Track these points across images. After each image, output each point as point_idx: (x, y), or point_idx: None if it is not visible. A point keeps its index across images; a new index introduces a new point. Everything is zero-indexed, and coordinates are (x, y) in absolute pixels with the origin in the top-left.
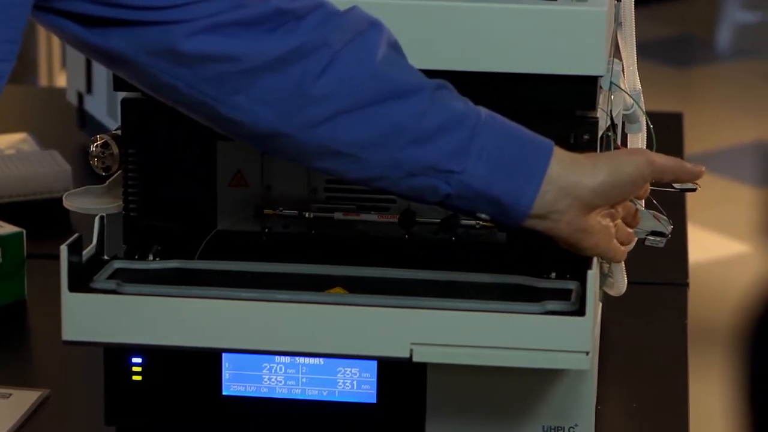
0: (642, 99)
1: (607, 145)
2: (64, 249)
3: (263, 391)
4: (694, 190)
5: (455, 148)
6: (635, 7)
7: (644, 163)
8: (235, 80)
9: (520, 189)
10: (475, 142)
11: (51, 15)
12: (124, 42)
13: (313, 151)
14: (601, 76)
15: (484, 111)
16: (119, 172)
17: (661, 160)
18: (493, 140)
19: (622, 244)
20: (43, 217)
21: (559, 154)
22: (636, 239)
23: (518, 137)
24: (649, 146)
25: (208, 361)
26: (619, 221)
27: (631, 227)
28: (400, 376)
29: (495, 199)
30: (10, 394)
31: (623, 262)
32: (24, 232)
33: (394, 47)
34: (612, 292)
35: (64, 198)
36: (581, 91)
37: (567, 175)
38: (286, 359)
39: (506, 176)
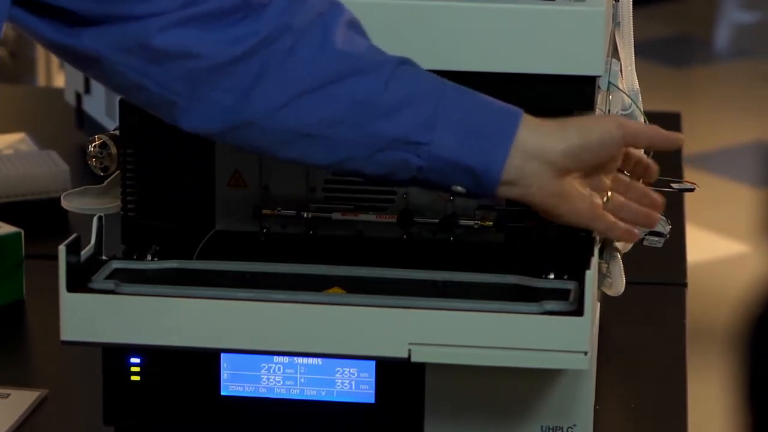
0: (640, 99)
1: None
2: (62, 249)
3: (262, 392)
4: (692, 190)
5: (422, 119)
6: (633, 6)
7: (614, 126)
8: (205, 75)
9: (490, 156)
10: (442, 113)
11: (26, 14)
12: (96, 40)
13: (280, 137)
14: (599, 76)
15: (449, 83)
16: (117, 172)
17: (634, 124)
18: (461, 110)
19: (627, 221)
20: (42, 218)
21: (527, 120)
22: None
23: (485, 106)
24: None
25: (206, 361)
26: (616, 196)
27: (642, 202)
28: (398, 376)
29: (466, 169)
30: (9, 395)
31: (621, 262)
32: (22, 232)
33: (354, 26)
34: (610, 292)
35: (62, 198)
36: (579, 91)
37: (534, 139)
38: (285, 359)
39: (475, 145)
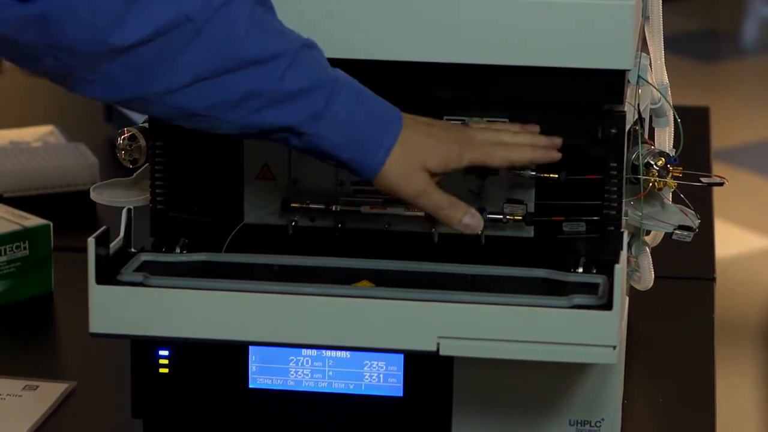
0: (669, 93)
1: (634, 138)
2: (91, 241)
3: (290, 384)
4: (721, 184)
5: (310, 113)
6: (662, 1)
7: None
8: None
9: (367, 162)
10: (331, 108)
11: None
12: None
13: (169, 112)
14: (629, 70)
15: (342, 76)
16: (146, 164)
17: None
18: (349, 107)
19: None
20: (70, 210)
21: (407, 132)
22: None
23: (373, 110)
24: (677, 140)
25: (234, 354)
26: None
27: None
28: (426, 370)
29: (343, 162)
30: (37, 386)
31: (650, 256)
32: (51, 224)
33: (262, 3)
34: (639, 287)
35: (91, 190)
36: (609, 84)
37: (412, 148)
38: (313, 352)
39: (354, 148)
